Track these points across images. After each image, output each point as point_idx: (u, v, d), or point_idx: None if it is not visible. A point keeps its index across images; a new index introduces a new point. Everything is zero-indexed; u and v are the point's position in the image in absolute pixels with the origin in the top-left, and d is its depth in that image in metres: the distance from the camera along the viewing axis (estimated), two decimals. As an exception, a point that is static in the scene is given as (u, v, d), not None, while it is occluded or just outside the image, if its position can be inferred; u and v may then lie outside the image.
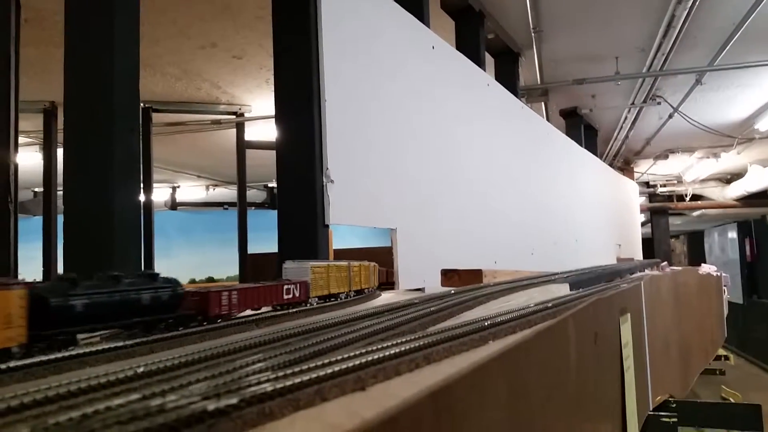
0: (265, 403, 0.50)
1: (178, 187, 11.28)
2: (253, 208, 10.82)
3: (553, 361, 1.01)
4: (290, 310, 1.47)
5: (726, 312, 5.63)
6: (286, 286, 1.46)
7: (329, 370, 0.59)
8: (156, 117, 6.45)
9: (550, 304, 1.17)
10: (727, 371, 5.53)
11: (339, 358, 0.66)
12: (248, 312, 1.37)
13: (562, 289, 1.84)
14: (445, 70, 3.55)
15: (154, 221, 6.24)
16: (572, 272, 2.69)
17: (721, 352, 5.45)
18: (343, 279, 1.79)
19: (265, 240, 6.40)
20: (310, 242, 2.28)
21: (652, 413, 2.22)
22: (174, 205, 11.41)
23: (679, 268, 4.70)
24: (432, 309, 1.23)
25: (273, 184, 11.10)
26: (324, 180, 2.32)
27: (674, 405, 2.51)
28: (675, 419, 2.27)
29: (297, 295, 1.50)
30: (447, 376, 0.55)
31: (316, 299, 1.63)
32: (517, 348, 0.81)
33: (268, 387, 0.52)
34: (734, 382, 5.96)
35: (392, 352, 0.70)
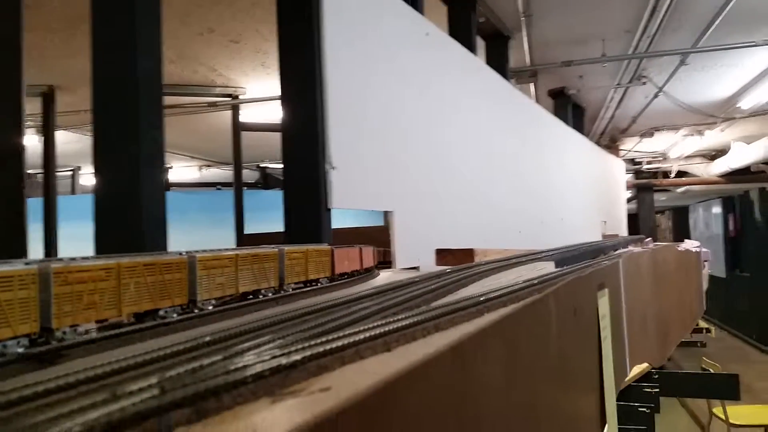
0: (320, 359, 0.67)
1: (171, 167, 11.37)
2: (246, 188, 10.94)
3: (538, 330, 1.18)
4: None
5: (706, 286, 5.85)
6: None
7: (362, 336, 0.76)
8: (152, 99, 6.52)
9: (536, 281, 1.34)
10: (709, 343, 5.78)
11: (367, 326, 0.82)
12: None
13: (548, 267, 2.02)
14: (439, 57, 3.68)
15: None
16: (557, 250, 2.86)
17: (703, 324, 5.69)
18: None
19: (259, 220, 6.53)
20: (315, 225, 2.44)
21: (635, 384, 2.40)
22: (167, 185, 11.50)
23: (662, 244, 4.90)
24: (432, 287, 1.40)
25: (266, 164, 11.21)
26: (326, 166, 2.47)
27: (656, 376, 2.67)
28: (657, 389, 2.45)
29: None
30: (459, 337, 0.73)
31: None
32: (508, 319, 0.98)
33: (321, 348, 0.69)
34: (715, 354, 6.21)
35: (407, 322, 0.86)
